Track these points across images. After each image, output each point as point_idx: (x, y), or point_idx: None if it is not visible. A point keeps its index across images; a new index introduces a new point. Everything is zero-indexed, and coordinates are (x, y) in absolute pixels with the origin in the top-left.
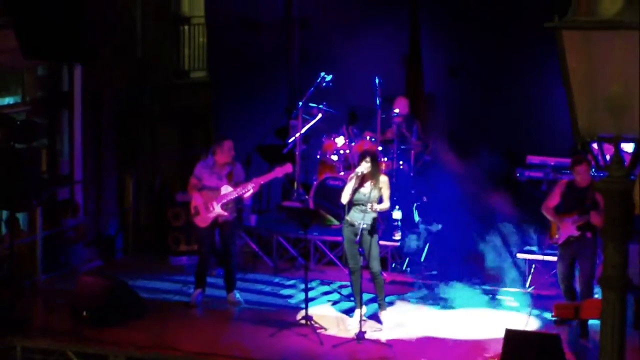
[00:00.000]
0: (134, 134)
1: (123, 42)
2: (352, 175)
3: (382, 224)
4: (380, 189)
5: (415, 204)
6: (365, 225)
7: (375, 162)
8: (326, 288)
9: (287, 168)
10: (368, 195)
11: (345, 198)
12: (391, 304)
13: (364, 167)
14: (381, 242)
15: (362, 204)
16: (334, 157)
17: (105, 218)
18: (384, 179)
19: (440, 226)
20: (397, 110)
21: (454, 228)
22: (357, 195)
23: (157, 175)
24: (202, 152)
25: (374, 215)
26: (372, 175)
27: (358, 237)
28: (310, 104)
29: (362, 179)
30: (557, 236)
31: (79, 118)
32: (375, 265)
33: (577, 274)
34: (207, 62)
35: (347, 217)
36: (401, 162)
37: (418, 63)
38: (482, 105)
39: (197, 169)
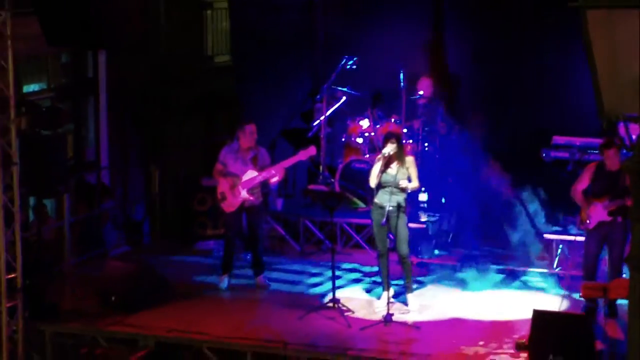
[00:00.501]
0: (159, 119)
1: (146, 27)
2: (378, 156)
3: (408, 207)
4: (407, 169)
5: (441, 186)
6: (392, 207)
7: (400, 143)
8: (353, 271)
9: (311, 151)
10: (395, 177)
11: (373, 181)
12: (418, 286)
13: (390, 148)
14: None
15: (390, 186)
16: (359, 140)
17: (132, 204)
18: (409, 159)
19: (466, 208)
20: (421, 92)
21: (480, 210)
22: (384, 177)
23: (182, 160)
24: (227, 137)
25: (402, 196)
26: (398, 156)
27: (384, 219)
28: (335, 87)
29: (388, 161)
30: (588, 221)
31: (104, 104)
32: (404, 248)
33: (603, 257)
34: (230, 47)
35: (376, 200)
36: (426, 144)
37: (441, 46)
38: (507, 87)
39: (222, 154)
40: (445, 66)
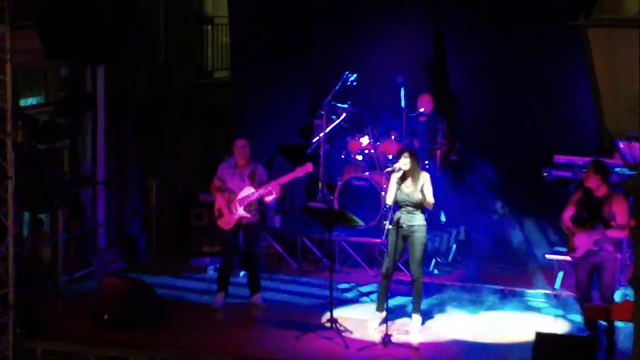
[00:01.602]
0: (157, 134)
1: (146, 42)
2: (389, 168)
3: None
4: (422, 186)
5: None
6: (408, 226)
7: (414, 159)
8: (352, 290)
9: (308, 167)
10: (410, 195)
11: (389, 199)
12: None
13: (403, 162)
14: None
15: (407, 205)
16: (359, 157)
17: (128, 219)
18: (425, 176)
19: (466, 227)
20: (422, 110)
21: (481, 228)
22: (399, 195)
23: (180, 176)
24: (225, 152)
25: (420, 215)
26: (412, 172)
27: (388, 236)
28: (335, 104)
29: (403, 177)
30: (575, 250)
31: (102, 119)
32: (417, 268)
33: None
34: (230, 62)
35: (395, 218)
36: (427, 162)
37: (442, 62)
38: (508, 104)
39: (220, 170)
40: (446, 82)
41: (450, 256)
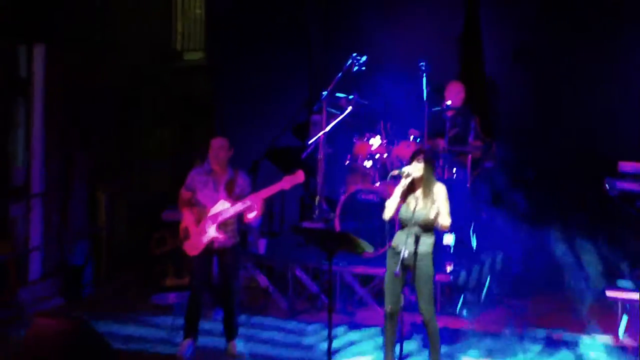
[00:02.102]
0: (111, 131)
1: (98, 16)
2: (395, 171)
3: (436, 253)
4: (434, 201)
5: (472, 225)
6: (411, 253)
7: (430, 165)
8: (356, 335)
9: (297, 177)
10: (418, 212)
11: (388, 213)
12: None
13: (414, 167)
14: None
15: (411, 224)
16: (368, 163)
17: (70, 242)
18: (439, 189)
19: (503, 255)
20: (449, 102)
21: (522, 257)
22: (403, 211)
23: (141, 186)
24: (197, 156)
25: (429, 238)
26: (425, 182)
27: (397, 267)
28: (338, 95)
29: (411, 188)
30: None
31: (39, 112)
32: (427, 308)
33: None
34: (205, 41)
35: (393, 243)
36: (454, 170)
37: (476, 44)
38: (558, 97)
39: (190, 177)
40: (481, 69)
41: (483, 293)
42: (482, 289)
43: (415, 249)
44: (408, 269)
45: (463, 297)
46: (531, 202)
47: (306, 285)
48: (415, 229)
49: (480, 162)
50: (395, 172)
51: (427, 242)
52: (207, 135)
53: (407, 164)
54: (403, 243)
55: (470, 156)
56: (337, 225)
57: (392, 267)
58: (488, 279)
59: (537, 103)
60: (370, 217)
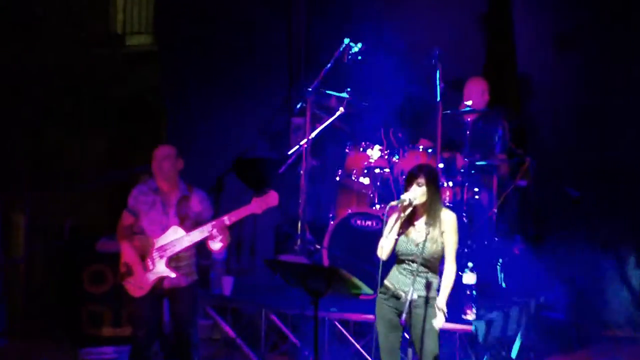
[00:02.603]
0: (30, 135)
1: None
2: (393, 202)
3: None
4: (442, 233)
5: (500, 261)
6: (416, 298)
7: (434, 186)
8: None
9: (270, 200)
10: (422, 246)
11: (385, 252)
12: None
13: (415, 194)
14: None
15: (412, 260)
16: (365, 180)
17: None
18: (448, 217)
19: (542, 298)
20: (469, 103)
21: (566, 302)
22: (402, 245)
23: (69, 207)
24: (145, 169)
25: (434, 279)
26: (429, 208)
27: (403, 316)
28: (327, 92)
29: (412, 216)
30: None
31: None
32: None
33: None
34: (153, 22)
35: (387, 283)
36: (476, 190)
37: (505, 29)
38: (610, 97)
39: (133, 197)
40: (512, 61)
41: (515, 348)
42: (513, 343)
43: (427, 294)
44: (410, 316)
45: (488, 356)
46: (577, 230)
47: (284, 336)
48: (420, 268)
49: (510, 181)
50: (394, 202)
51: (435, 283)
52: (155, 142)
53: (402, 190)
54: (407, 285)
55: (496, 173)
56: (325, 260)
57: (388, 316)
58: (520, 331)
59: (583, 105)
60: (368, 249)
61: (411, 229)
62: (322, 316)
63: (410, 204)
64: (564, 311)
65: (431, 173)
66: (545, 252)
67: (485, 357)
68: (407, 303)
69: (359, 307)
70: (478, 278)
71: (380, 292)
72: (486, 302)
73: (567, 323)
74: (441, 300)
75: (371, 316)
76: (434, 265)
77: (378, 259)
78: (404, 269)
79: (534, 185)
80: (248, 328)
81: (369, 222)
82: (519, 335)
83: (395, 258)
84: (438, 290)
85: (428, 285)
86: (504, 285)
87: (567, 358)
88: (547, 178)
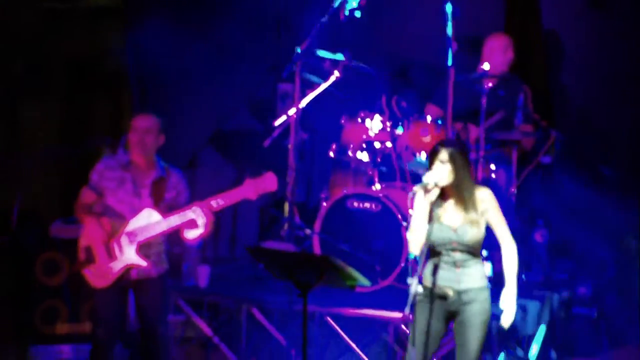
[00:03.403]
0: None
1: None
2: (416, 187)
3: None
4: (480, 213)
5: (519, 248)
6: (463, 291)
7: (462, 162)
8: None
9: (268, 183)
10: (459, 231)
11: (415, 242)
12: None
13: (439, 173)
14: None
15: (451, 250)
16: (362, 156)
17: None
18: (485, 195)
19: (568, 292)
20: (486, 67)
21: (595, 296)
22: (436, 233)
23: (15, 188)
24: (105, 142)
25: (480, 269)
26: (459, 187)
27: (415, 312)
28: (319, 54)
29: (442, 199)
30: None
31: None
32: None
33: None
34: None
35: (426, 282)
36: (493, 167)
37: None
38: None
39: (97, 172)
40: (536, 18)
41: (536, 347)
42: (532, 341)
43: (463, 284)
44: (451, 316)
45: (504, 355)
46: (608, 213)
47: (269, 333)
48: (459, 256)
49: (533, 156)
50: (417, 187)
51: (478, 271)
52: (117, 112)
53: (424, 169)
54: (451, 280)
55: (516, 147)
56: (316, 247)
57: (426, 316)
58: (541, 328)
59: (619, 71)
60: (366, 235)
61: (443, 213)
62: (311, 311)
63: (434, 185)
64: (594, 307)
65: (456, 148)
66: (571, 238)
67: (501, 355)
68: (452, 302)
69: (356, 301)
70: (493, 268)
71: (421, 293)
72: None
73: (598, 320)
74: (511, 292)
75: (370, 311)
76: (478, 251)
77: (377, 245)
78: (445, 262)
79: (560, 162)
80: (227, 325)
81: (367, 204)
82: (539, 333)
83: (430, 253)
84: (488, 279)
85: (467, 276)
86: (523, 276)
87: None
88: (575, 155)
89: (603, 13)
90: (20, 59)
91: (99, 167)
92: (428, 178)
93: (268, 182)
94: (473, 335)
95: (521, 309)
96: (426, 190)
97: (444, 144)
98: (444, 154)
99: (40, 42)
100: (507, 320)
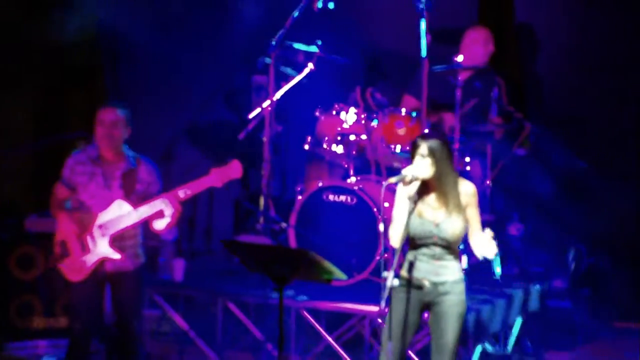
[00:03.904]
0: None
1: None
2: (392, 179)
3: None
4: (461, 207)
5: (495, 242)
6: (431, 282)
7: (444, 154)
8: None
9: (233, 170)
10: (441, 225)
11: (395, 235)
12: None
13: (419, 167)
14: None
15: (430, 244)
16: (338, 149)
17: None
18: (469, 189)
19: (544, 285)
20: (460, 59)
21: (570, 289)
22: (417, 227)
23: None
24: (77, 136)
25: (456, 265)
26: (441, 181)
27: (391, 303)
28: (294, 45)
29: (423, 192)
30: None
31: None
32: None
33: None
34: None
35: (403, 274)
36: (467, 159)
37: None
38: (632, 50)
39: (68, 167)
40: (510, 8)
41: (511, 342)
42: (509, 337)
43: (440, 276)
44: (426, 307)
45: (481, 349)
46: (584, 206)
47: (245, 328)
48: (437, 250)
49: (507, 149)
50: (393, 178)
51: (454, 265)
52: (89, 103)
53: (406, 158)
54: (429, 273)
55: (491, 140)
56: (292, 241)
57: (404, 307)
58: (518, 321)
59: (595, 63)
60: (342, 228)
61: (424, 207)
62: (288, 305)
63: (413, 179)
64: (570, 299)
65: (436, 141)
66: (546, 231)
67: (477, 349)
68: (428, 295)
69: (331, 295)
70: (468, 261)
71: (398, 286)
72: (478, 288)
73: (574, 313)
74: (487, 238)
75: (346, 305)
76: (457, 245)
77: (353, 239)
78: (424, 254)
79: (534, 154)
80: (202, 319)
81: (342, 197)
82: (515, 327)
83: (409, 245)
84: (464, 271)
85: (444, 269)
86: (499, 270)
87: (570, 353)
88: (549, 147)
89: (580, 1)
90: None
91: (69, 162)
92: (407, 171)
93: (233, 170)
94: (449, 327)
95: (498, 302)
96: (404, 183)
97: (424, 137)
98: (423, 148)
99: (13, 32)
100: (491, 249)
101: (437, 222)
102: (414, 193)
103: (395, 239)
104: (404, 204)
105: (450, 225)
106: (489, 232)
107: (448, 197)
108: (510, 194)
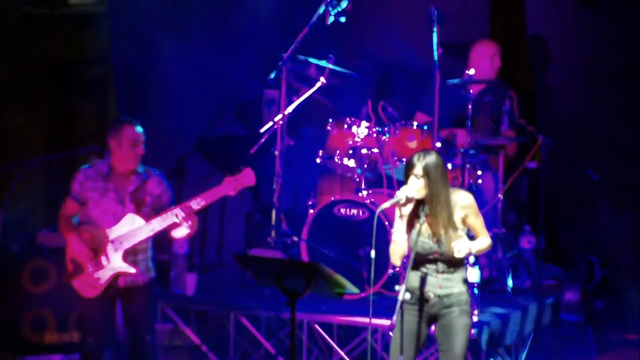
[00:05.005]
0: None
1: None
2: (385, 204)
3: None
4: (460, 221)
5: (507, 255)
6: (444, 299)
7: (435, 177)
8: None
9: (247, 179)
10: (440, 242)
11: (396, 258)
12: None
13: (412, 188)
14: None
15: (432, 261)
16: (349, 162)
17: None
18: (464, 200)
19: (556, 299)
20: (471, 72)
21: (586, 299)
22: (418, 244)
23: (2, 196)
24: (90, 151)
25: (460, 276)
26: (435, 197)
27: (402, 317)
28: (305, 59)
29: (416, 210)
30: None
31: None
32: None
33: None
34: None
35: (405, 287)
36: (479, 173)
37: None
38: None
39: (78, 182)
40: (521, 21)
41: (523, 355)
42: (520, 351)
43: (445, 289)
44: (432, 320)
45: None
46: (597, 218)
47: (257, 342)
48: (441, 265)
49: (519, 162)
50: (386, 204)
51: (459, 278)
52: (101, 118)
53: (400, 183)
54: (432, 286)
55: (502, 153)
56: (304, 254)
57: (413, 322)
58: (529, 335)
59: (605, 75)
60: (353, 241)
61: (424, 225)
62: (300, 319)
63: (408, 201)
64: (582, 313)
65: (430, 161)
66: (558, 245)
67: None
68: (432, 309)
69: (344, 309)
70: (481, 275)
71: (404, 300)
72: (490, 302)
73: (586, 326)
74: (475, 247)
75: (358, 319)
76: (456, 260)
77: (364, 252)
78: (428, 269)
79: (547, 167)
80: (215, 333)
81: (354, 211)
82: (529, 341)
83: (412, 262)
84: (476, 285)
85: (448, 282)
86: (511, 283)
87: None
88: (562, 160)
89: (592, 13)
90: (4, 66)
91: (78, 177)
92: (401, 193)
93: (246, 178)
94: (456, 339)
95: (510, 316)
96: (400, 205)
97: (419, 157)
98: (418, 168)
99: (25, 49)
100: (470, 276)
101: (437, 238)
102: (408, 212)
103: (396, 256)
104: (400, 223)
105: (449, 241)
106: (464, 237)
107: (439, 217)
108: (521, 207)
